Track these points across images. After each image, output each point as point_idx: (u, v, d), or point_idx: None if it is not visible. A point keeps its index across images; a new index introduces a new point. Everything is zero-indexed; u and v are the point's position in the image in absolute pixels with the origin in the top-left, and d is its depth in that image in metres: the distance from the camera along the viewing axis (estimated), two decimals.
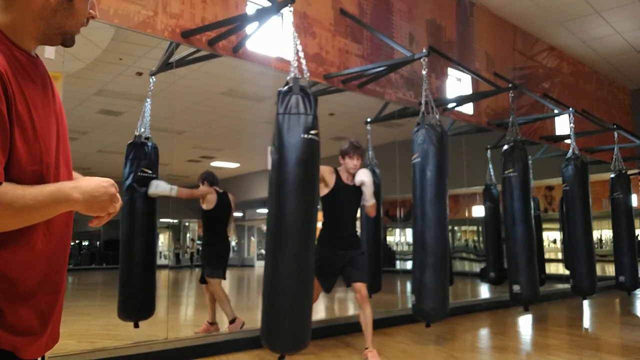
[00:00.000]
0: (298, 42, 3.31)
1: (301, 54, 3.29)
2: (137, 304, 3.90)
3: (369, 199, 3.75)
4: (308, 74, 3.23)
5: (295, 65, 3.17)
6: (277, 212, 2.96)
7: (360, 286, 3.71)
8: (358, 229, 4.60)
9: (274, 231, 2.97)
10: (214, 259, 4.62)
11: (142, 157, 3.91)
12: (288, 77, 3.09)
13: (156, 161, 4.00)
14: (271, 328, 2.94)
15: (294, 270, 2.92)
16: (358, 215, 4.80)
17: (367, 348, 3.70)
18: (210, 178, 4.67)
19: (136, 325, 3.90)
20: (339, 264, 3.77)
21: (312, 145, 2.97)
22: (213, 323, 4.63)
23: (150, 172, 3.89)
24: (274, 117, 3.03)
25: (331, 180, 3.80)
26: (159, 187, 3.99)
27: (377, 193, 5.68)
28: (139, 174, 3.87)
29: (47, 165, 0.99)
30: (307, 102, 2.98)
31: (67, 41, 1.07)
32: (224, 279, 4.67)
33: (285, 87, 3.04)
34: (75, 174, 1.22)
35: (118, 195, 1.05)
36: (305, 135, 2.93)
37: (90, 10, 1.07)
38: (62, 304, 1.14)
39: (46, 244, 1.02)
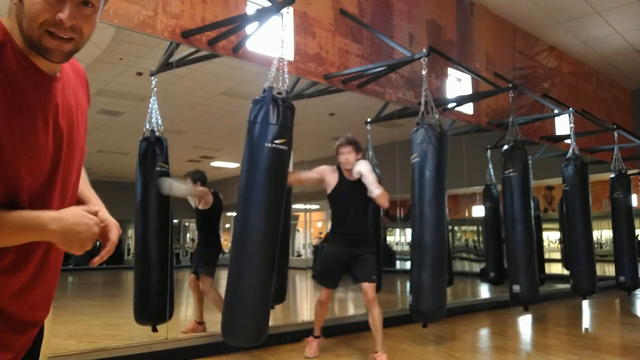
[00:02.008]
0: (283, 53, 3.37)
1: (284, 62, 3.35)
2: (154, 307, 3.81)
3: (373, 190, 3.51)
4: (287, 82, 3.33)
5: (273, 75, 3.25)
6: (241, 215, 3.12)
7: (367, 287, 3.65)
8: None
9: (238, 234, 3.13)
10: (211, 258, 4.65)
11: (159, 152, 3.90)
12: (265, 86, 3.18)
13: (167, 156, 3.99)
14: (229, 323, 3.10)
15: (253, 271, 3.04)
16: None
17: (376, 352, 3.66)
18: (204, 178, 4.70)
19: (154, 330, 3.82)
20: (347, 261, 3.71)
21: (279, 154, 3.10)
22: (201, 323, 4.64)
23: (167, 167, 3.88)
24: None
25: (332, 178, 3.78)
26: (173, 188, 4.01)
27: None
28: (157, 168, 3.84)
29: (16, 190, 0.93)
30: (277, 112, 3.10)
31: (41, 51, 0.94)
32: (213, 277, 4.73)
33: (259, 96, 3.13)
34: (88, 196, 1.19)
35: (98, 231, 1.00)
36: (270, 145, 3.06)
37: (60, 14, 0.92)
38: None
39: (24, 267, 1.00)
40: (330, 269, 3.77)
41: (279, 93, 3.18)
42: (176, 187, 4.02)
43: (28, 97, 0.95)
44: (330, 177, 3.77)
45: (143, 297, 3.85)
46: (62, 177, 1.04)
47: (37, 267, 1.03)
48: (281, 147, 3.08)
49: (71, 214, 0.96)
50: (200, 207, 4.62)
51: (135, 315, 3.85)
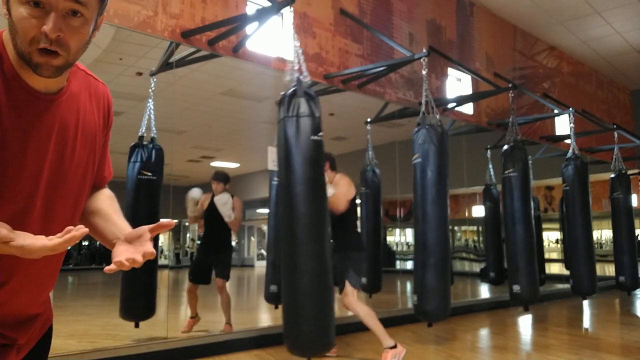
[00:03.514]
0: (298, 45, 3.32)
1: (302, 57, 3.30)
2: (138, 305, 3.92)
3: None
4: (309, 77, 3.24)
5: (297, 67, 3.18)
6: (290, 213, 2.97)
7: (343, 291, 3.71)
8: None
9: (289, 232, 2.98)
10: (230, 261, 4.76)
11: (143, 159, 3.93)
12: (286, 79, 3.12)
13: (160, 162, 4.01)
14: (294, 330, 2.94)
15: (315, 270, 2.92)
16: (358, 214, 4.80)
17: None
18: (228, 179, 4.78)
19: (137, 325, 3.93)
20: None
21: (320, 147, 3.02)
22: (194, 316, 4.66)
23: (150, 174, 3.91)
24: (278, 120, 3.06)
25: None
26: (226, 206, 4.40)
27: (377, 193, 5.72)
28: (139, 176, 3.88)
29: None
30: (312, 104, 3.03)
31: (32, 66, 0.89)
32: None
33: (290, 91, 3.06)
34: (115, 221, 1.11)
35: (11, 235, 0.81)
36: (315, 137, 2.97)
37: (44, 27, 0.86)
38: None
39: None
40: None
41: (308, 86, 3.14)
42: (224, 213, 4.43)
43: (5, 116, 0.90)
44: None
45: (127, 296, 3.95)
46: (45, 201, 0.98)
47: (21, 280, 0.99)
48: (321, 139, 3.05)
49: None
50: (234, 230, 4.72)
51: (120, 312, 3.94)
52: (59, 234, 0.82)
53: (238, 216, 4.57)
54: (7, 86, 0.90)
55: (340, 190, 3.72)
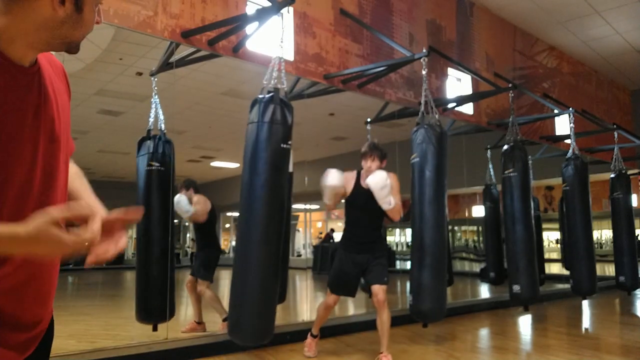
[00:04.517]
0: (282, 50, 3.36)
1: (282, 64, 3.35)
2: (156, 305, 3.83)
3: (384, 204, 3.53)
4: (285, 85, 3.34)
5: (276, 74, 3.24)
6: (248, 215, 3.12)
7: (377, 289, 3.64)
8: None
9: (243, 231, 3.13)
10: (211, 261, 4.77)
11: (150, 150, 3.93)
12: (265, 80, 3.18)
13: (169, 154, 3.99)
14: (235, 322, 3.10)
15: (258, 266, 3.04)
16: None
17: (381, 352, 3.67)
18: (197, 186, 4.85)
19: (155, 329, 3.85)
20: (359, 269, 3.74)
21: (287, 154, 3.14)
22: (200, 322, 4.69)
23: (157, 164, 3.90)
24: (249, 121, 3.18)
25: (350, 185, 3.77)
26: (179, 204, 4.37)
27: None
28: (147, 167, 3.87)
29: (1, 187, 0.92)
30: (287, 112, 3.12)
31: (71, 49, 1.01)
32: (212, 282, 4.80)
33: (267, 96, 3.12)
34: (80, 193, 1.15)
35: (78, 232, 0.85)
36: (284, 145, 3.08)
37: (97, 17, 1.01)
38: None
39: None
40: (340, 274, 3.80)
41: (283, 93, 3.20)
42: (182, 204, 4.45)
43: (18, 89, 0.93)
44: (347, 184, 3.75)
45: (144, 296, 3.87)
46: (43, 171, 1.00)
47: (27, 261, 0.99)
48: (289, 147, 3.15)
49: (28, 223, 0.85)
50: (200, 220, 4.73)
51: (136, 314, 3.86)
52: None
53: (200, 210, 4.72)
54: None
55: (398, 199, 3.62)
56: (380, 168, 3.68)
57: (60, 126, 1.05)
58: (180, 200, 4.50)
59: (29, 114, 0.97)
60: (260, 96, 3.17)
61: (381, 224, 3.87)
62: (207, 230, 4.85)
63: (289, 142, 3.11)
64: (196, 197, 4.72)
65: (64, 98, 1.10)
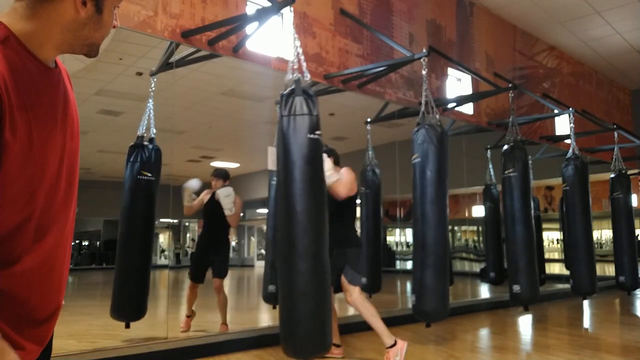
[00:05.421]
0: (298, 45, 3.31)
1: (302, 56, 3.29)
2: (130, 306, 3.91)
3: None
4: (309, 76, 3.24)
5: (296, 67, 3.18)
6: (288, 211, 2.93)
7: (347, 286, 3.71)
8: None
9: (287, 230, 2.94)
10: (228, 258, 4.73)
11: (142, 159, 3.93)
12: (287, 78, 3.11)
13: (158, 163, 4.01)
14: (291, 332, 2.89)
15: (311, 270, 2.87)
16: (358, 214, 4.79)
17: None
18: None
19: (127, 326, 3.91)
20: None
21: (317, 145, 3.01)
22: (190, 315, 4.65)
23: (149, 174, 3.91)
24: (278, 119, 3.05)
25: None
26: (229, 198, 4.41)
27: (377, 193, 5.72)
28: (138, 176, 3.88)
29: (40, 181, 0.97)
30: (310, 103, 3.02)
31: (92, 51, 1.06)
32: None
33: (288, 90, 3.06)
34: None
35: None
36: (311, 135, 2.96)
37: (114, 21, 1.07)
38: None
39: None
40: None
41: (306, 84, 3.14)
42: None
43: (50, 90, 1.00)
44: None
45: (119, 296, 3.96)
46: (68, 168, 1.06)
47: (52, 253, 1.04)
48: (319, 137, 3.04)
49: None
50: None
51: (111, 311, 3.91)
52: None
53: (237, 212, 4.58)
54: (28, 61, 0.97)
55: (344, 178, 3.71)
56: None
57: (75, 124, 1.12)
58: (230, 195, 4.51)
59: (59, 113, 1.03)
60: (282, 92, 3.11)
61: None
62: (227, 229, 4.79)
63: (318, 132, 2.99)
64: (237, 199, 4.63)
65: (73, 97, 1.16)
